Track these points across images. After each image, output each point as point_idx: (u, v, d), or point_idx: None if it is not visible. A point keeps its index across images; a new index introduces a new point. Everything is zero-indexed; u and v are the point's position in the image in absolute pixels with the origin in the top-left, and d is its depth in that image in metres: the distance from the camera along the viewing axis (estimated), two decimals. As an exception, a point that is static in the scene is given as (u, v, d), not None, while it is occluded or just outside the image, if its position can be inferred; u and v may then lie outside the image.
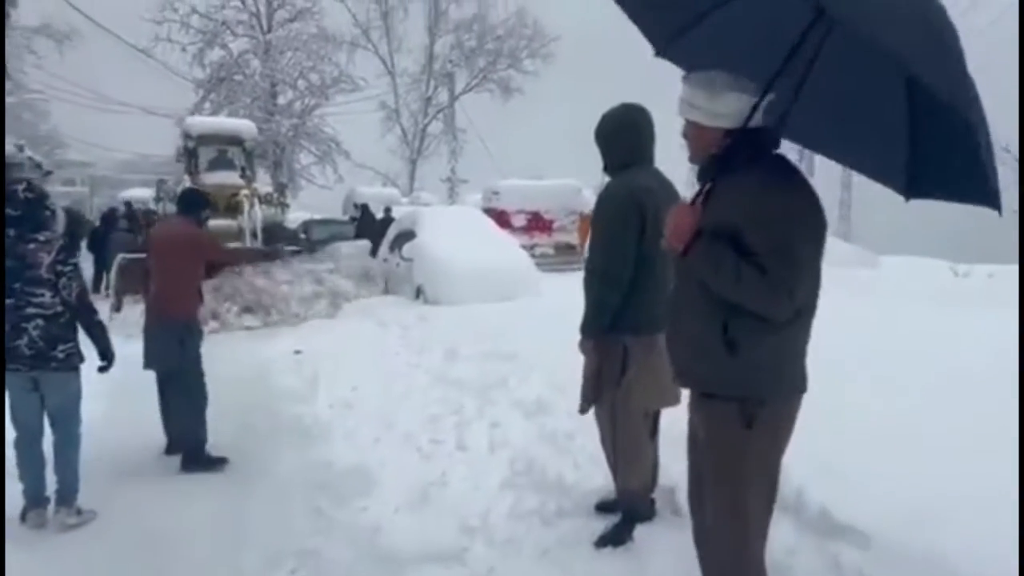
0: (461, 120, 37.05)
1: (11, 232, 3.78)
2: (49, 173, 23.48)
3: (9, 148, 15.20)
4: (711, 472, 2.55)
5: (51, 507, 4.04)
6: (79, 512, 4.04)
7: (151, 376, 5.15)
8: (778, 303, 2.26)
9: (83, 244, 15.63)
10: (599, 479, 4.00)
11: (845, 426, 4.02)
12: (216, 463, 4.91)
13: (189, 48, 25.94)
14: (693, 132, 2.51)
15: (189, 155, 14.54)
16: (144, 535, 3.90)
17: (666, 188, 3.47)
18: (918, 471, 3.53)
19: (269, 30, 26.96)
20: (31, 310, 3.81)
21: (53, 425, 4.04)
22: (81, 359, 4.05)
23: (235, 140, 14.99)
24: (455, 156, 36.32)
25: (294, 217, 27.26)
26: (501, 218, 16.87)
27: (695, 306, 2.45)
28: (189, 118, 15.23)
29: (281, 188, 16.37)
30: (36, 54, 30.97)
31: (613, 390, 3.46)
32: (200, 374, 5.11)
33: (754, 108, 2.32)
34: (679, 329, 2.56)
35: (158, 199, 14.34)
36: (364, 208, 16.78)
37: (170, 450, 5.09)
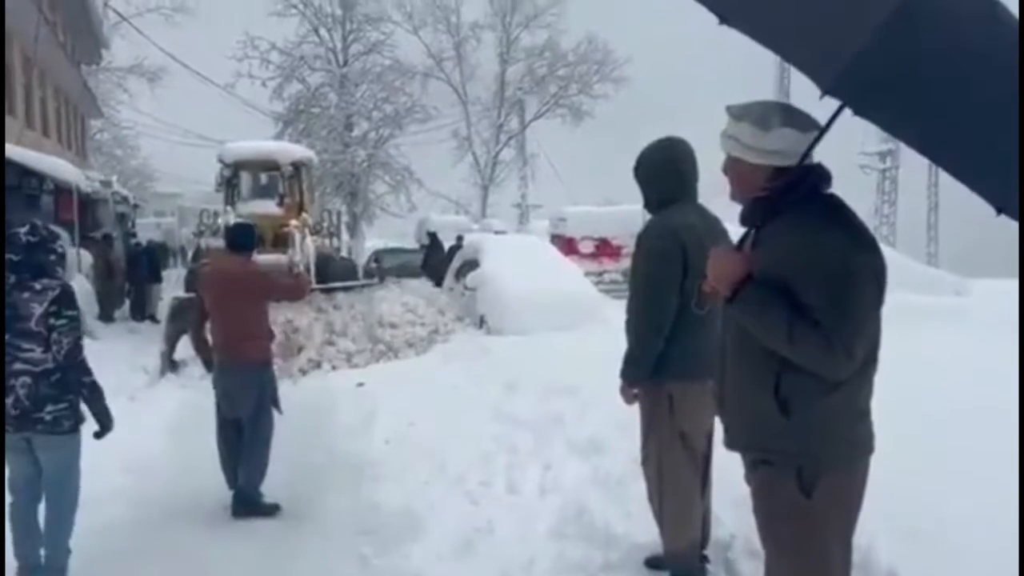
0: (532, 146, 37.33)
1: (11, 278, 3.48)
2: (137, 206, 24.65)
3: (94, 185, 15.87)
4: (772, 546, 2.33)
5: None
6: None
7: (208, 418, 4.96)
8: (836, 363, 2.04)
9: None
10: (651, 530, 3.78)
11: (920, 477, 3.70)
12: (268, 509, 4.77)
13: (268, 83, 26.82)
14: (736, 170, 2.26)
15: (227, 184, 13.25)
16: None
17: (710, 225, 3.27)
18: (1005, 532, 3.20)
19: (345, 63, 27.71)
20: (18, 365, 3.49)
21: (44, 492, 3.69)
22: (79, 420, 3.67)
23: (271, 165, 13.28)
24: (526, 182, 36.45)
25: (370, 245, 27.91)
26: (569, 245, 16.78)
27: (744, 362, 2.24)
28: (227, 144, 13.64)
29: (329, 216, 15.15)
30: (128, 92, 32.82)
31: (660, 443, 3.26)
32: (271, 416, 4.94)
33: (811, 145, 2.08)
34: (726, 388, 2.34)
35: (199, 232, 13.21)
36: (433, 237, 16.88)
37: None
